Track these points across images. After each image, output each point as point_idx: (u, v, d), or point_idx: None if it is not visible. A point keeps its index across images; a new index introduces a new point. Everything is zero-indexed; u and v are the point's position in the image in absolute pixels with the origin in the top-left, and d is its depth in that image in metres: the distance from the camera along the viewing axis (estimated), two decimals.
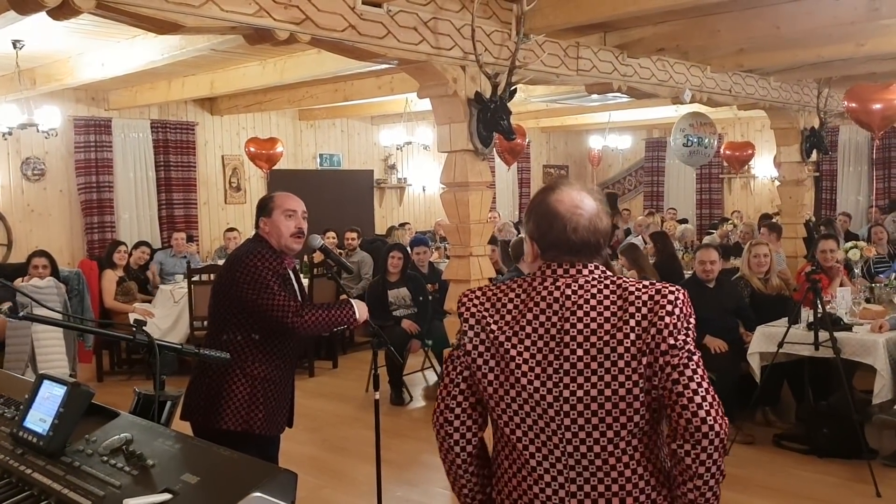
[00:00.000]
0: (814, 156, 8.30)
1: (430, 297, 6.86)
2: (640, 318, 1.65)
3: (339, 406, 6.46)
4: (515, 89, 4.75)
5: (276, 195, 3.18)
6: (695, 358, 1.67)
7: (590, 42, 5.58)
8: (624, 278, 1.74)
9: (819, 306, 4.73)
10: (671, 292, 1.69)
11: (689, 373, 1.65)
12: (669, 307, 1.66)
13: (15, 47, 6.04)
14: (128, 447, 1.54)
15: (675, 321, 1.66)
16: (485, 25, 4.76)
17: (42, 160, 8.67)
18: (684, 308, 1.69)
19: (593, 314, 1.67)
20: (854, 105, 6.67)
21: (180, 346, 1.95)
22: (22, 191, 8.57)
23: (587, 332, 1.66)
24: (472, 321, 1.78)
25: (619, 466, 1.67)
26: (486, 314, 1.77)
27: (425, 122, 10.69)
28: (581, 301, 1.69)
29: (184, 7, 3.48)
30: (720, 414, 1.66)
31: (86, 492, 1.45)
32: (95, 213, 8.95)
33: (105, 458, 1.54)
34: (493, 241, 6.96)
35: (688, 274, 7.41)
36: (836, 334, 4.66)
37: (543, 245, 1.75)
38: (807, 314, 4.99)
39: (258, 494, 1.33)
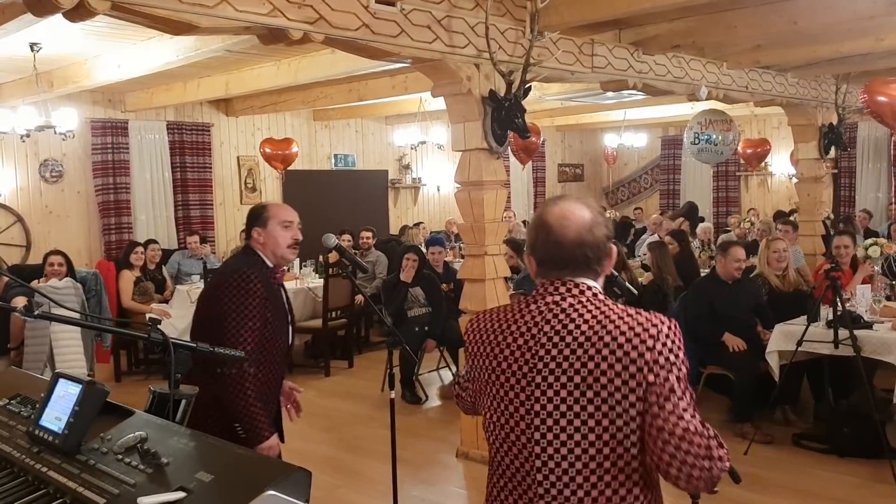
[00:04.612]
0: (832, 152, 8.21)
1: (444, 297, 6.84)
2: (614, 348, 1.59)
3: (354, 405, 6.47)
4: (530, 87, 4.74)
5: (270, 205, 3.08)
6: (676, 395, 1.57)
7: (605, 39, 5.56)
8: (615, 306, 1.67)
9: (838, 304, 4.67)
10: (654, 325, 1.61)
11: (669, 406, 1.56)
12: (650, 342, 1.59)
13: (32, 50, 6.09)
14: (142, 445, 1.53)
15: (657, 357, 1.58)
16: (499, 23, 4.75)
17: (60, 162, 8.75)
18: (669, 342, 1.60)
19: (568, 340, 1.63)
20: (870, 98, 6.60)
21: (195, 345, 1.94)
22: (40, 192, 8.65)
23: (557, 362, 1.64)
24: (469, 346, 1.84)
25: (608, 492, 1.63)
26: (480, 336, 1.80)
27: (439, 121, 10.69)
28: (559, 327, 1.65)
29: (198, 8, 3.50)
30: (712, 441, 1.57)
31: (101, 490, 1.45)
32: (112, 215, 9.02)
33: (120, 457, 1.54)
34: (516, 247, 6.89)
35: (704, 272, 7.36)
36: (856, 332, 4.60)
37: (537, 258, 1.75)
38: (826, 312, 4.94)
39: (272, 493, 1.32)
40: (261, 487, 1.33)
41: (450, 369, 7.12)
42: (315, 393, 6.85)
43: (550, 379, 1.64)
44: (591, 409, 1.60)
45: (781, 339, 5.04)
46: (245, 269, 2.88)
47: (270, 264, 2.98)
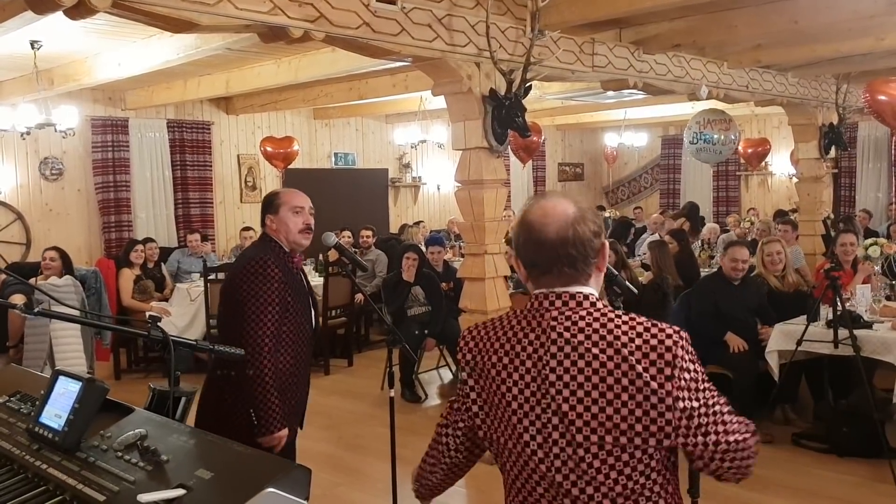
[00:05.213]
0: (832, 152, 8.21)
1: (444, 296, 6.84)
2: (633, 378, 1.50)
3: (354, 404, 6.47)
4: (530, 86, 4.74)
5: (282, 192, 3.13)
6: (716, 409, 1.54)
7: (605, 38, 5.55)
8: (618, 317, 1.56)
9: (838, 304, 4.67)
10: (668, 349, 1.51)
11: (718, 426, 1.54)
12: (668, 370, 1.50)
13: (33, 48, 6.09)
14: (142, 443, 1.54)
15: (680, 384, 1.50)
16: (499, 22, 4.75)
17: (60, 160, 8.74)
18: (688, 356, 1.53)
19: (581, 365, 1.53)
20: (872, 98, 6.60)
21: (195, 342, 1.94)
22: (40, 190, 8.65)
23: (573, 385, 1.53)
24: (467, 369, 1.71)
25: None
26: (484, 357, 1.66)
27: (440, 120, 10.68)
28: (568, 348, 1.54)
29: (199, 6, 3.50)
30: (751, 437, 1.59)
31: (100, 487, 1.45)
32: (113, 213, 9.01)
33: (119, 454, 1.54)
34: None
35: (704, 272, 7.35)
36: (855, 332, 4.60)
37: (523, 261, 1.64)
38: (826, 312, 4.94)
39: (272, 490, 1.32)
40: (260, 485, 1.33)
41: (449, 368, 7.12)
42: (315, 391, 6.80)
43: (565, 407, 1.53)
44: (612, 440, 1.51)
45: (781, 338, 5.04)
46: (261, 256, 2.93)
47: (287, 250, 3.02)
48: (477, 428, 1.73)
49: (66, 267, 5.89)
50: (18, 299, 4.90)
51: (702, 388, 1.55)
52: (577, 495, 1.55)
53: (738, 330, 5.34)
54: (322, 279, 7.65)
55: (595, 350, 1.52)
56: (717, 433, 1.54)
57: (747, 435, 1.58)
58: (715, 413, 1.55)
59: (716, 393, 1.57)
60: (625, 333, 1.53)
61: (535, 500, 1.62)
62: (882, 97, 6.53)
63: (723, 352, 5.30)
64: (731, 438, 1.55)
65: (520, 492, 1.65)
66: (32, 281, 5.66)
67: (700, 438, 1.53)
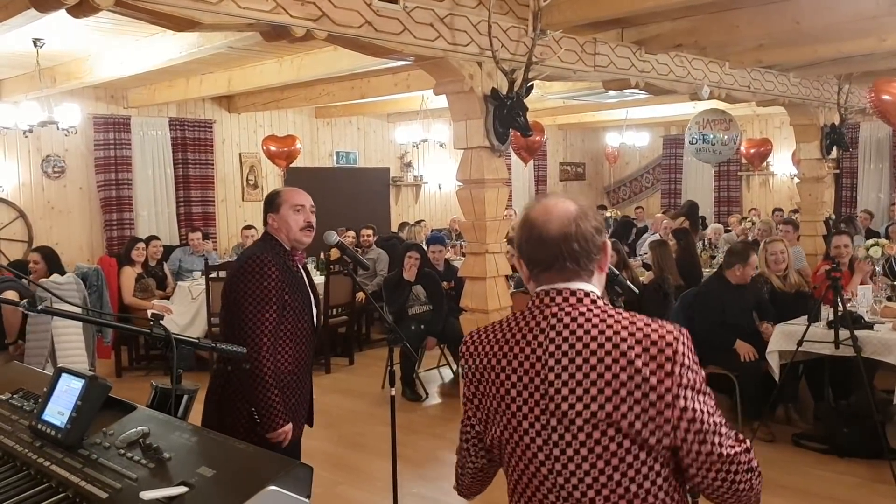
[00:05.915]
0: (834, 153, 8.20)
1: (445, 295, 6.85)
2: (632, 374, 1.48)
3: (355, 402, 6.47)
4: (532, 86, 4.74)
5: (283, 190, 3.16)
6: (713, 417, 1.52)
7: (607, 38, 5.55)
8: (618, 314, 1.55)
9: (839, 304, 4.67)
10: (669, 344, 1.48)
11: (711, 436, 1.51)
12: (669, 366, 1.47)
13: (36, 46, 6.10)
14: (144, 440, 1.55)
15: (680, 380, 1.48)
16: (501, 21, 4.75)
17: (62, 158, 8.75)
18: (688, 359, 1.50)
19: (578, 362, 1.51)
20: (876, 97, 6.60)
21: (197, 340, 1.95)
22: (42, 188, 8.66)
23: (572, 383, 1.51)
24: (468, 375, 1.70)
25: None
26: (484, 360, 1.66)
27: (441, 119, 10.69)
28: (566, 346, 1.53)
29: (201, 4, 3.50)
30: (750, 452, 1.56)
31: (103, 484, 1.46)
32: (114, 211, 9.02)
33: (122, 451, 1.55)
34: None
35: (706, 272, 7.36)
36: (856, 333, 4.60)
37: (526, 259, 1.64)
38: (827, 312, 4.94)
39: (274, 488, 1.33)
40: (262, 483, 1.33)
41: (450, 367, 7.13)
42: (316, 390, 6.81)
43: (564, 406, 1.52)
44: (613, 434, 1.50)
45: (782, 339, 5.04)
46: (259, 254, 2.97)
47: (287, 248, 3.05)
48: (483, 434, 1.72)
49: (53, 267, 5.81)
50: (12, 296, 4.88)
51: (703, 391, 1.53)
52: (578, 498, 1.53)
53: (743, 334, 5.33)
54: (323, 278, 7.66)
55: (594, 346, 1.51)
56: (712, 443, 1.51)
57: (750, 453, 1.56)
58: (715, 423, 1.52)
59: (714, 404, 1.55)
60: (625, 329, 1.51)
61: (539, 503, 1.60)
62: (887, 97, 6.52)
63: (727, 354, 5.28)
64: (726, 451, 1.52)
65: (523, 494, 1.63)
66: (23, 282, 5.64)
67: (696, 446, 1.50)
